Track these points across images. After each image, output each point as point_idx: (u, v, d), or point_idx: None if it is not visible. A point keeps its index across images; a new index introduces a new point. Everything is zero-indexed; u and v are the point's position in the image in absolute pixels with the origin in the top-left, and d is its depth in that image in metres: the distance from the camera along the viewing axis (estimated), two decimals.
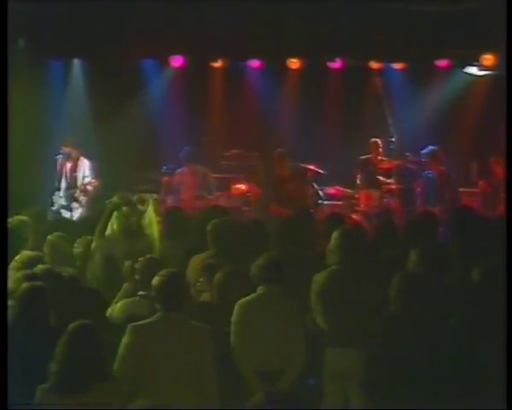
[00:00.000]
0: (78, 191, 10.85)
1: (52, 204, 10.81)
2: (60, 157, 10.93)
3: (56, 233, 7.03)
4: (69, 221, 9.49)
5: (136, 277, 5.88)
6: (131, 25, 11.37)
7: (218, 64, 12.96)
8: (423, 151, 11.29)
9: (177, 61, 12.73)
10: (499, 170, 11.00)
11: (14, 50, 10.82)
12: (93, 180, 10.87)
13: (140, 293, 5.79)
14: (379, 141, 11.90)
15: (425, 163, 11.26)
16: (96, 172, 11.03)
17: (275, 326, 5.62)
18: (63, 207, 10.81)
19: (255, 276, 5.77)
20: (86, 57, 12.53)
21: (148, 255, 6.02)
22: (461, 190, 11.46)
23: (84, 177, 10.93)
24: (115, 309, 5.86)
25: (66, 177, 10.92)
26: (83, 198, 10.87)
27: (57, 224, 7.90)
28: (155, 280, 5.10)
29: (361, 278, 5.89)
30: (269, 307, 5.65)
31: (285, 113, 13.00)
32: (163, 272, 5.15)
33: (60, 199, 10.84)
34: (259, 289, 5.72)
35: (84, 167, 10.97)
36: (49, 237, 6.96)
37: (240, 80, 13.12)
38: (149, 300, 5.55)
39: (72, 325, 4.51)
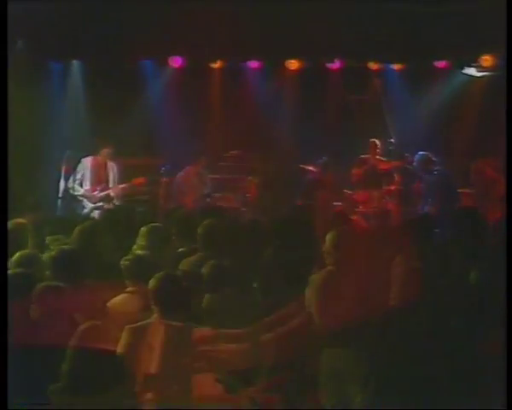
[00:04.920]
0: (86, 193, 10.85)
1: (58, 205, 10.79)
2: (67, 158, 10.90)
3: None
4: (68, 221, 9.42)
5: (124, 274, 5.87)
6: (130, 26, 11.37)
7: (216, 65, 13.00)
8: (415, 158, 11.31)
9: (175, 61, 12.76)
10: (489, 172, 11.09)
11: (14, 52, 10.83)
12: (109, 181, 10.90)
13: (128, 289, 5.79)
14: (377, 141, 11.92)
15: (416, 169, 11.29)
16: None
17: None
18: (68, 207, 10.80)
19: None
20: (85, 58, 12.53)
21: (136, 252, 5.99)
22: (459, 190, 11.47)
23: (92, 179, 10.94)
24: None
25: (73, 178, 10.87)
26: (91, 200, 10.88)
27: (56, 225, 7.82)
28: (152, 282, 5.10)
29: (357, 278, 5.90)
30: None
31: (284, 114, 13.00)
32: (160, 274, 5.15)
33: (65, 200, 10.83)
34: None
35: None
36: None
37: (238, 81, 13.13)
38: (138, 296, 5.59)
39: (81, 326, 4.51)
